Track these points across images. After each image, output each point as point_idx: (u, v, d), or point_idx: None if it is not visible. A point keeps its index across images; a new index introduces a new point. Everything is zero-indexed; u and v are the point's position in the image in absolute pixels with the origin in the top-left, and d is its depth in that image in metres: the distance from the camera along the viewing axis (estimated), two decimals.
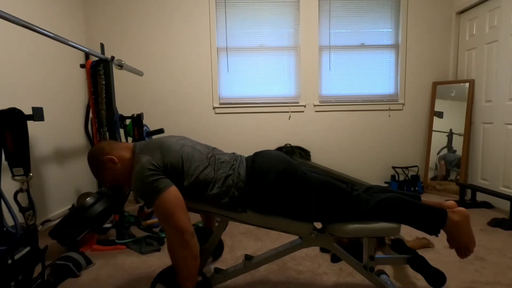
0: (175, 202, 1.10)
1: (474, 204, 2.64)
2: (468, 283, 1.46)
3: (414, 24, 3.18)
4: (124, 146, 1.29)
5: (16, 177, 1.25)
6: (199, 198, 1.20)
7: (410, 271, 1.55)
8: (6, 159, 1.22)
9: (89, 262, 1.69)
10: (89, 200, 1.84)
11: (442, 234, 1.20)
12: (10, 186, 1.57)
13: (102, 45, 2.05)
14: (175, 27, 3.13)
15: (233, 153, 1.35)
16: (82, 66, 2.08)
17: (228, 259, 1.74)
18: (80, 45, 1.69)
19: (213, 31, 3.13)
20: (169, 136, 1.33)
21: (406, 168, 3.29)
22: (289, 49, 3.23)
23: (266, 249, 1.85)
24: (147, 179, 1.10)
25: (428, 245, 1.84)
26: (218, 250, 1.77)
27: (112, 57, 1.97)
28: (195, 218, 2.38)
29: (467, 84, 2.97)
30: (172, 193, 1.11)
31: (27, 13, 2.27)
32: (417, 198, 1.29)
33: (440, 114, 3.18)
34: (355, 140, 3.30)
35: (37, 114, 1.28)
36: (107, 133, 1.98)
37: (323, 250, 1.82)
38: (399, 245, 1.71)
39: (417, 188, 3.15)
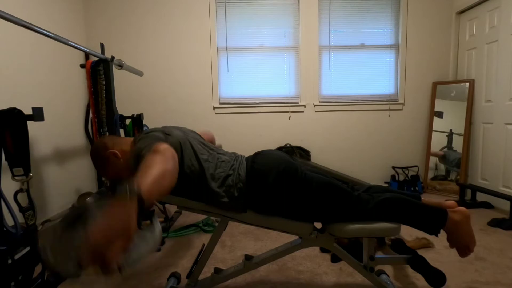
0: (167, 149, 0.93)
1: (474, 204, 2.64)
2: (468, 283, 1.46)
3: (414, 24, 3.18)
4: (126, 140, 1.30)
5: (16, 177, 1.25)
6: (197, 194, 1.20)
7: (410, 271, 1.55)
8: (6, 159, 1.22)
9: None
10: (89, 200, 1.84)
11: (442, 234, 1.20)
12: (10, 186, 1.56)
13: (102, 45, 2.06)
14: (175, 27, 3.13)
15: (234, 153, 1.35)
16: (82, 66, 2.08)
17: (228, 259, 1.74)
18: (80, 45, 1.69)
19: (213, 31, 3.13)
20: (171, 126, 1.34)
21: (406, 168, 3.29)
22: (289, 49, 3.23)
23: (266, 249, 1.85)
24: (143, 142, 1.04)
25: (428, 245, 1.84)
26: None
27: (112, 57, 1.97)
28: (196, 218, 2.38)
29: (467, 84, 2.97)
30: (166, 145, 0.97)
31: (27, 13, 2.27)
32: (417, 198, 1.29)
33: (440, 114, 3.18)
34: (355, 140, 3.30)
35: (37, 114, 1.28)
36: (107, 133, 1.99)
37: (323, 250, 1.81)
38: (399, 245, 1.71)
39: (417, 188, 3.15)
